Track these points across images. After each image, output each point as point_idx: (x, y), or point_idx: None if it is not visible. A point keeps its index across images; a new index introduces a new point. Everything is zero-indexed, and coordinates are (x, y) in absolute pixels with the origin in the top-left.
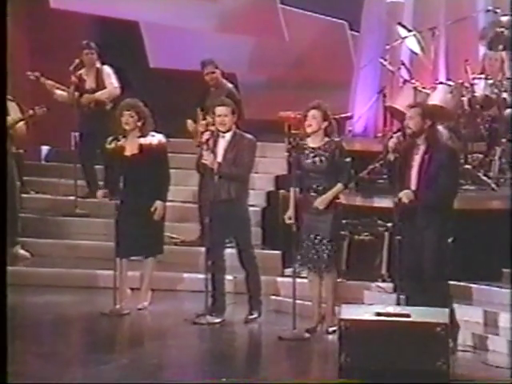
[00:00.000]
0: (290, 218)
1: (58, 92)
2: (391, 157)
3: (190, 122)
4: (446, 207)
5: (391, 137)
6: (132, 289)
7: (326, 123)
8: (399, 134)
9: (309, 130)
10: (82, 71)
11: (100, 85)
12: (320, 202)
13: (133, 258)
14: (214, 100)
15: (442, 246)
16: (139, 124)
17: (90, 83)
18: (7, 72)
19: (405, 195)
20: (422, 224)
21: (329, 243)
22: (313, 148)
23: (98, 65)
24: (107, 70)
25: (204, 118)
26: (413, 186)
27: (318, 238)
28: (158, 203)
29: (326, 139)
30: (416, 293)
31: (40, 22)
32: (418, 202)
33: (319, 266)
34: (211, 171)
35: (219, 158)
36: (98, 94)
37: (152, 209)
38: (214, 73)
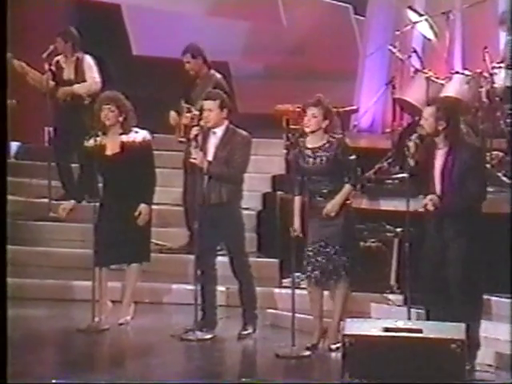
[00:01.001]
0: (295, 231)
1: (33, 73)
2: (411, 162)
3: (173, 113)
4: (475, 213)
5: (409, 139)
6: (113, 301)
7: (326, 122)
8: (416, 136)
9: (307, 130)
10: (60, 58)
11: (79, 76)
12: (331, 209)
13: (114, 266)
14: (198, 92)
15: (472, 254)
16: (120, 119)
17: (68, 73)
18: (7, 71)
19: (430, 202)
20: (449, 233)
21: (341, 250)
22: (312, 149)
23: (79, 54)
24: (89, 60)
25: (189, 111)
26: (437, 191)
27: (328, 244)
28: (143, 207)
29: (326, 137)
30: (439, 307)
31: (10, 5)
32: (444, 209)
33: (329, 277)
34: (200, 171)
35: (209, 157)
36: (76, 88)
37: (136, 213)
38: (189, 62)
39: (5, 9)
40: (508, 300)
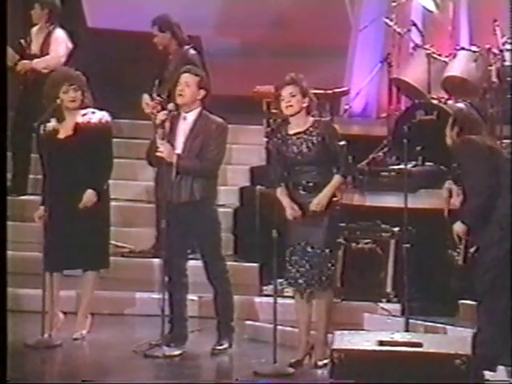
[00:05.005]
0: (291, 211)
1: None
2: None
3: (146, 96)
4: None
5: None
6: (65, 313)
7: (306, 100)
8: (449, 182)
9: (289, 112)
10: (34, 29)
11: (45, 51)
12: (317, 205)
13: (67, 272)
14: (171, 71)
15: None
16: (81, 99)
17: (35, 47)
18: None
19: (459, 228)
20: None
21: (324, 253)
22: (295, 134)
23: (52, 26)
24: (58, 34)
25: (152, 98)
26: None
27: (311, 247)
28: (89, 192)
29: (311, 120)
30: None
31: None
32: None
33: (312, 284)
34: (169, 166)
35: (179, 147)
36: (35, 62)
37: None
38: (157, 36)
39: (5, 11)
40: None
